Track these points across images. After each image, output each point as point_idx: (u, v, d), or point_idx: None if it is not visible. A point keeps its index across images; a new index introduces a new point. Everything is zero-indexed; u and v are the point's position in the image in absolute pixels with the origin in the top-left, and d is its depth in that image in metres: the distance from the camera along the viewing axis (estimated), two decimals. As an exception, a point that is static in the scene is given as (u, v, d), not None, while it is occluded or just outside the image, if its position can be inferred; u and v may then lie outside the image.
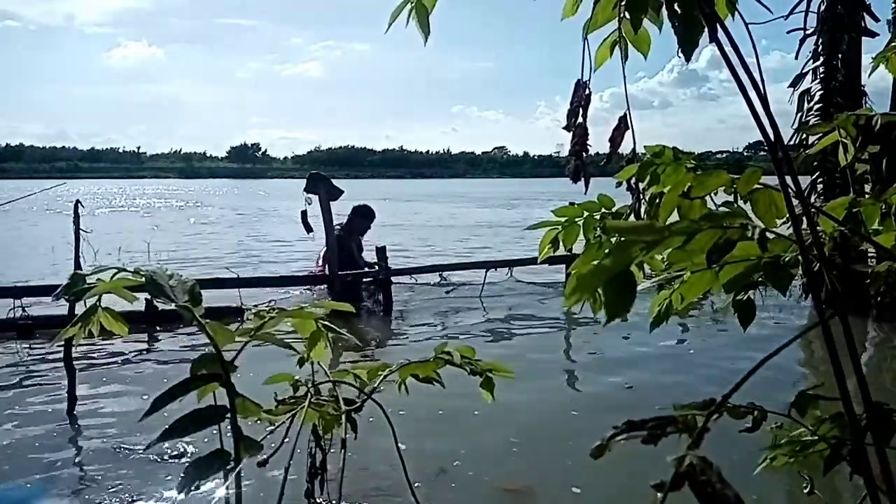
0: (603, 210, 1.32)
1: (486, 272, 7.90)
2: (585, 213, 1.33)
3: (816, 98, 6.36)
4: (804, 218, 0.87)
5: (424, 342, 5.72)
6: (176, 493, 2.83)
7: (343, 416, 1.63)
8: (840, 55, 6.20)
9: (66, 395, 3.82)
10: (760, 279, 1.03)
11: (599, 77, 1.18)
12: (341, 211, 7.33)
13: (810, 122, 6.32)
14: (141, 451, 3.25)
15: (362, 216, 7.67)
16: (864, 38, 6.17)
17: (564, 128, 1.24)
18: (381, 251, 7.42)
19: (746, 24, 0.95)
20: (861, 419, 0.90)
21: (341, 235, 7.27)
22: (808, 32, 6.05)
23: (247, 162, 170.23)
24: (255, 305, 5.62)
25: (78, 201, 4.04)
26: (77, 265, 3.87)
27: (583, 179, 1.27)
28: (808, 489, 1.35)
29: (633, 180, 1.20)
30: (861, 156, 1.20)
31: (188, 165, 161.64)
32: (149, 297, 1.09)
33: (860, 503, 0.93)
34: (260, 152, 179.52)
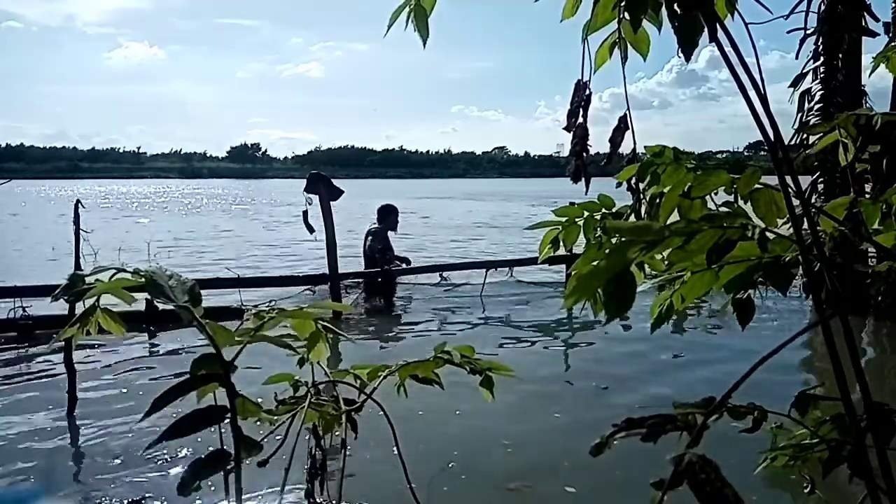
0: (603, 210, 1.32)
1: (486, 272, 7.90)
2: (586, 214, 1.32)
3: (816, 98, 6.36)
4: (804, 218, 0.87)
5: (424, 342, 5.72)
6: (176, 494, 2.83)
7: (343, 416, 1.63)
8: (840, 55, 6.20)
9: (67, 395, 3.82)
10: (760, 279, 1.03)
11: (599, 77, 1.19)
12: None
13: (810, 122, 6.31)
14: (141, 452, 3.25)
15: (392, 213, 8.10)
16: (864, 38, 6.16)
17: (565, 128, 1.24)
18: (382, 251, 7.44)
19: (746, 24, 0.95)
20: (861, 420, 0.90)
21: (379, 230, 7.82)
22: (808, 32, 6.04)
23: (247, 162, 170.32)
24: (255, 306, 5.62)
25: (78, 201, 4.05)
26: (77, 265, 3.87)
27: (583, 179, 1.27)
28: (808, 489, 1.35)
29: (633, 180, 1.20)
30: (861, 156, 1.20)
31: (188, 165, 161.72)
32: (149, 297, 1.09)
33: (861, 503, 0.93)
34: (260, 152, 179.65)
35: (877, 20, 5.97)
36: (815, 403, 1.14)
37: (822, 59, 6.27)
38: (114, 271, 1.09)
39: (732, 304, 1.11)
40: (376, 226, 7.89)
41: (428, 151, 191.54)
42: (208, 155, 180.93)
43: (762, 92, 0.81)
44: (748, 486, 2.71)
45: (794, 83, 6.45)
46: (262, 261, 10.98)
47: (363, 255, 7.85)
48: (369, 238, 7.76)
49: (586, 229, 1.33)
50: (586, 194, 1.31)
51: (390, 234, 7.97)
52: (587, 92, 1.21)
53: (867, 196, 1.19)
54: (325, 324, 1.49)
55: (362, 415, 1.70)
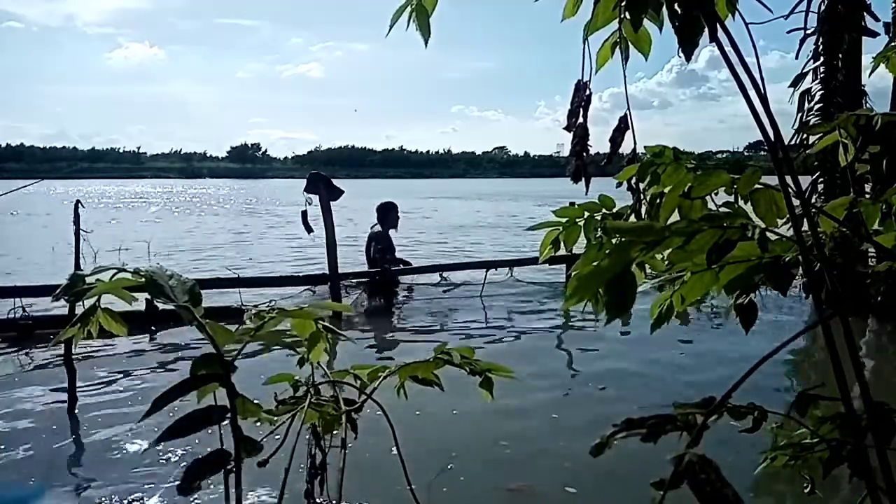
0: (604, 210, 1.32)
1: (486, 272, 7.90)
2: (586, 214, 1.32)
3: (816, 98, 6.35)
4: (804, 218, 0.87)
5: (424, 342, 5.72)
6: (176, 494, 2.83)
7: (343, 417, 1.63)
8: (840, 55, 6.20)
9: (67, 395, 3.82)
10: (761, 280, 1.03)
11: (599, 77, 1.19)
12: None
13: (810, 122, 6.31)
14: (141, 452, 3.25)
15: (392, 210, 8.07)
16: (864, 38, 6.16)
17: (565, 128, 1.24)
18: (381, 251, 7.44)
19: (746, 24, 0.95)
20: (861, 419, 0.90)
21: (380, 232, 7.80)
22: (808, 32, 6.04)
23: (247, 162, 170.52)
24: (255, 306, 5.61)
25: (78, 201, 4.04)
26: (77, 265, 3.87)
27: (583, 179, 1.27)
28: (808, 489, 1.35)
29: (633, 180, 1.20)
30: (861, 156, 1.20)
31: (188, 165, 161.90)
32: (149, 296, 1.09)
33: (861, 503, 0.93)
34: (260, 152, 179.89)
35: (877, 20, 5.96)
36: (815, 403, 1.14)
37: (822, 59, 6.26)
38: (114, 271, 1.09)
39: (735, 309, 1.11)
40: (377, 228, 7.88)
41: (428, 151, 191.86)
42: (208, 155, 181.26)
43: (762, 92, 0.81)
44: (748, 486, 2.71)
45: (794, 83, 6.45)
46: (262, 261, 10.99)
47: (367, 258, 7.84)
48: (372, 242, 7.74)
49: (587, 230, 1.32)
50: (586, 194, 1.31)
51: (392, 232, 7.96)
52: (587, 92, 1.21)
53: (867, 196, 1.19)
54: (326, 324, 1.49)
55: (362, 415, 1.70)
